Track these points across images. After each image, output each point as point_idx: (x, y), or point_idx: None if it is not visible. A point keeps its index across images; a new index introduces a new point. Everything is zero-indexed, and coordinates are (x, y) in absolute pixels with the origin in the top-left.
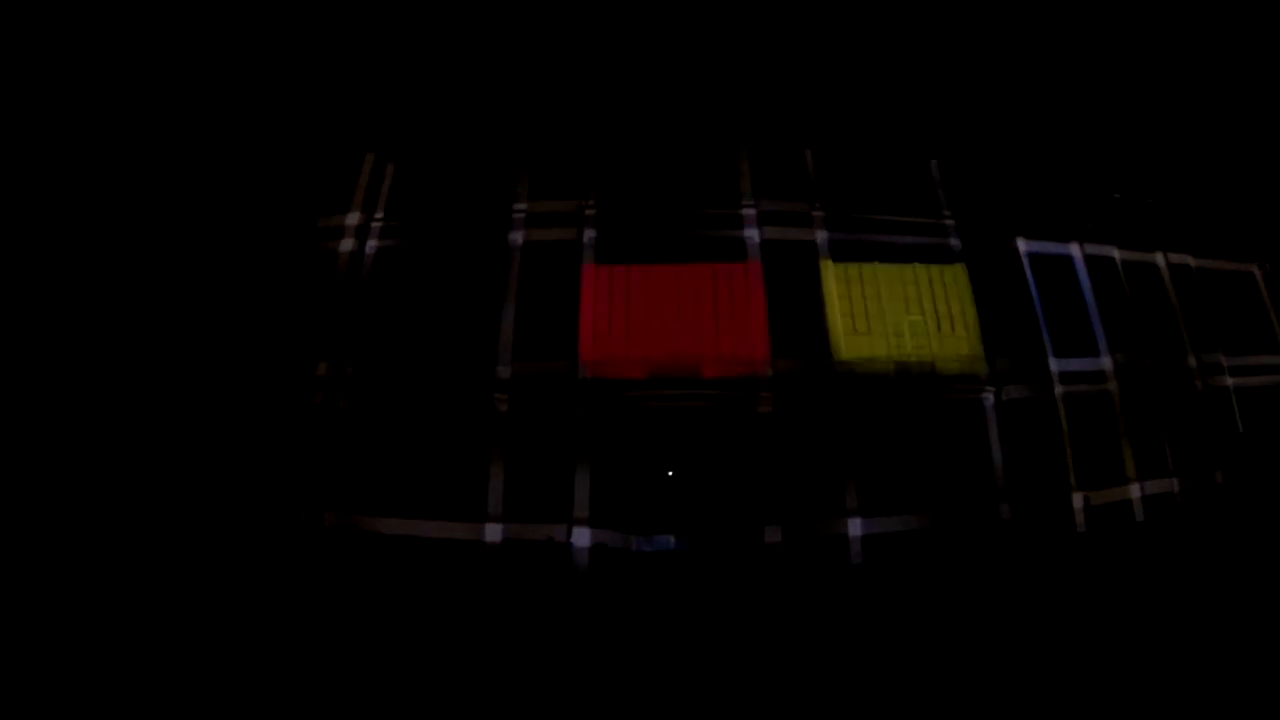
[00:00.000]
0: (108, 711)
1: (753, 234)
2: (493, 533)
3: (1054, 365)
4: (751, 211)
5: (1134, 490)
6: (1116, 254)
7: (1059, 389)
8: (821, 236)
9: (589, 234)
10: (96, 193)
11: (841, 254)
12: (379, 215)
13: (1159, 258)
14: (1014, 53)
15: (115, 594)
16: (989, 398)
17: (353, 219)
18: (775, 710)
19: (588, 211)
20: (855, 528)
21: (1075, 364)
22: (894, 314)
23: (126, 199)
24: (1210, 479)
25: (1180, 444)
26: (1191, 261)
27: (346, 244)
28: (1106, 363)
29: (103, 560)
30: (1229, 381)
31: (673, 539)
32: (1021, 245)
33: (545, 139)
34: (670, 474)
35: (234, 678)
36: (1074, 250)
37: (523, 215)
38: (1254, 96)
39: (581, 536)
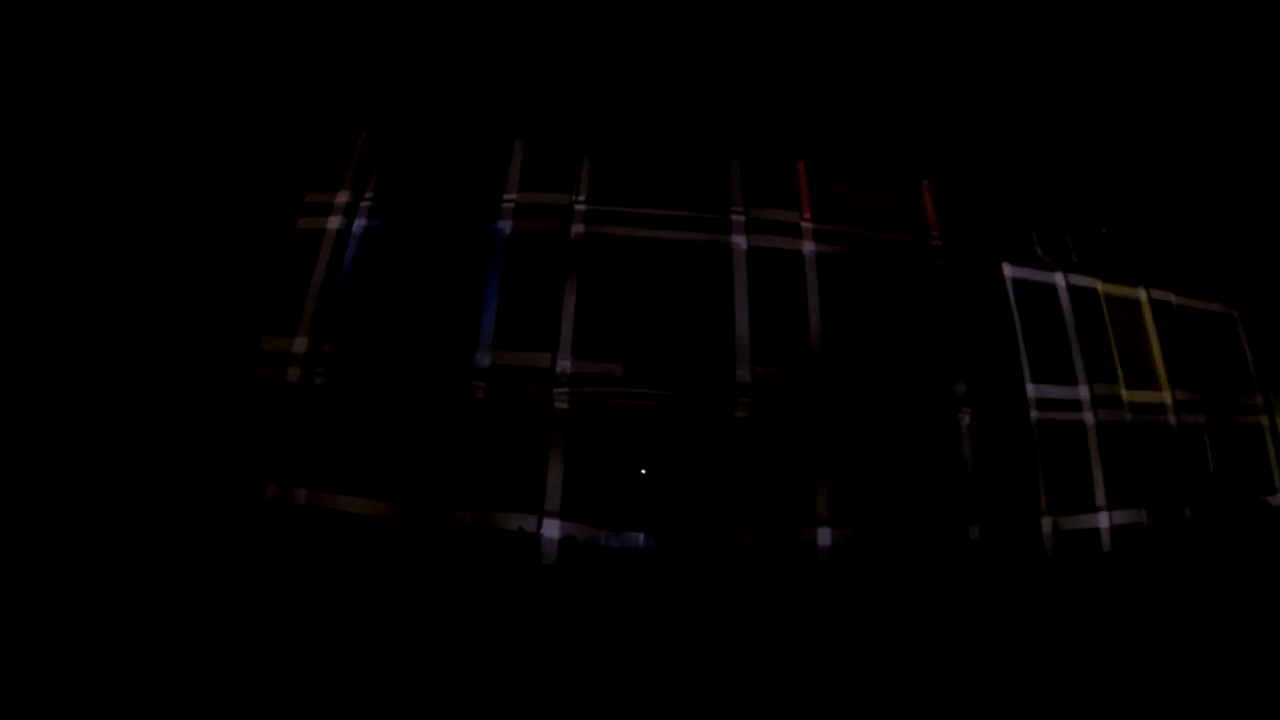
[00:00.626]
0: (72, 692)
1: (740, 240)
2: (463, 518)
3: (1031, 390)
4: (740, 218)
5: (1102, 519)
6: (1100, 286)
7: (1034, 414)
8: (809, 248)
9: (577, 228)
10: (86, 175)
11: (828, 266)
12: (369, 195)
13: (1141, 293)
14: (1013, 79)
15: (77, 571)
16: (965, 418)
17: (342, 197)
18: (737, 713)
19: (577, 206)
20: (825, 537)
21: (1052, 391)
22: None
23: (108, 176)
24: (1179, 514)
25: (1151, 477)
26: (1173, 299)
27: (334, 221)
28: (1083, 392)
29: (66, 537)
30: (1202, 419)
31: (643, 537)
32: (1007, 271)
33: (538, 131)
34: (644, 472)
35: (196, 656)
36: (1058, 279)
37: (512, 205)
38: (1240, 142)
39: (551, 528)
